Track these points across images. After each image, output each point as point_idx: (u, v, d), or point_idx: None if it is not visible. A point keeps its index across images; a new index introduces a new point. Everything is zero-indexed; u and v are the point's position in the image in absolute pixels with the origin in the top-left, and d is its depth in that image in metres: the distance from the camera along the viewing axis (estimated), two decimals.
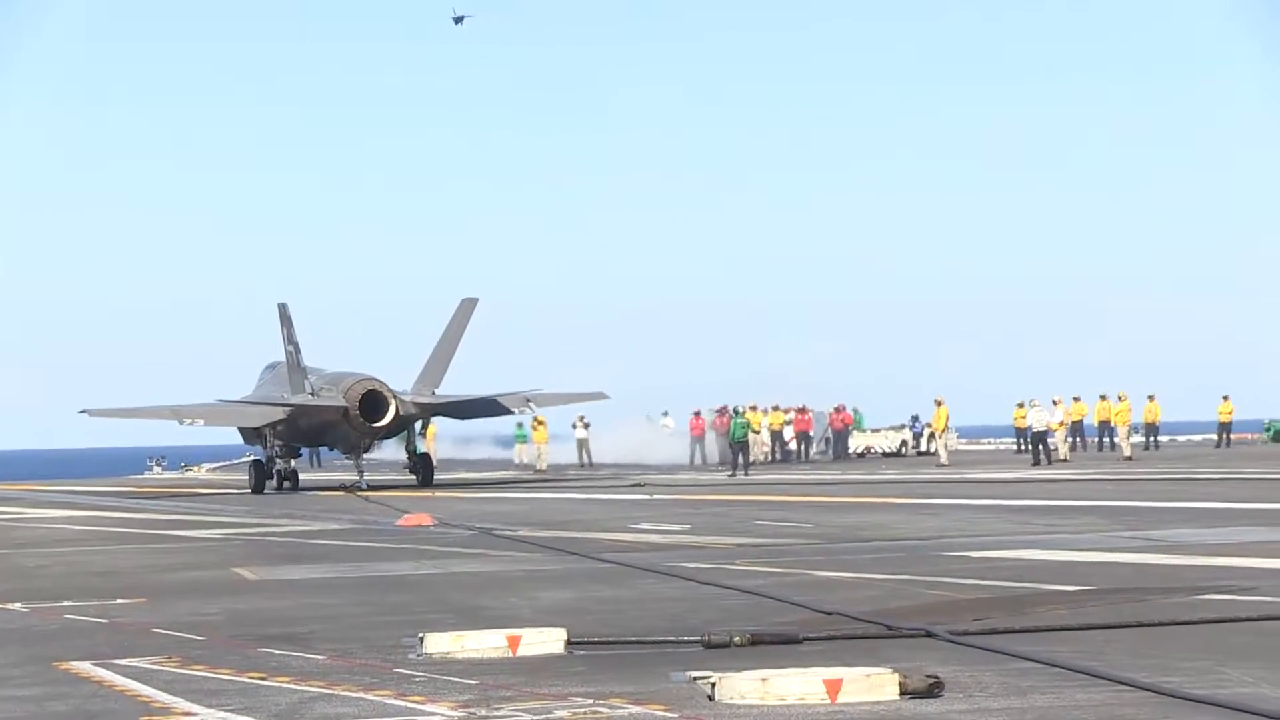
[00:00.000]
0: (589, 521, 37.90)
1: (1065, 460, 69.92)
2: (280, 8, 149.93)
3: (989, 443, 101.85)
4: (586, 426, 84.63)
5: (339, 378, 64.32)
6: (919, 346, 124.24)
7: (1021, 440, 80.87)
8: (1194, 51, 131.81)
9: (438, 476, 66.76)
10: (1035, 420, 70.28)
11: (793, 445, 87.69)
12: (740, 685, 12.88)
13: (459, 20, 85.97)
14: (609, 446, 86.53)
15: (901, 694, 12.81)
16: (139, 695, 14.21)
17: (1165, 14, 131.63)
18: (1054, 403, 73.37)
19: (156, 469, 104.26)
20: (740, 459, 69.87)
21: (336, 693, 13.96)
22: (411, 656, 15.76)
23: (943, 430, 74.54)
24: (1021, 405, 78.78)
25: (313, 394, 64.16)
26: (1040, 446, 69.80)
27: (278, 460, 64.93)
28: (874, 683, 12.84)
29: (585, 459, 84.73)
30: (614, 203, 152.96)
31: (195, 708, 13.48)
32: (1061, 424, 73.54)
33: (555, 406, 73.28)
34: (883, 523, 34.81)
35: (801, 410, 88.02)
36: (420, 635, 16.05)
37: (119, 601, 22.55)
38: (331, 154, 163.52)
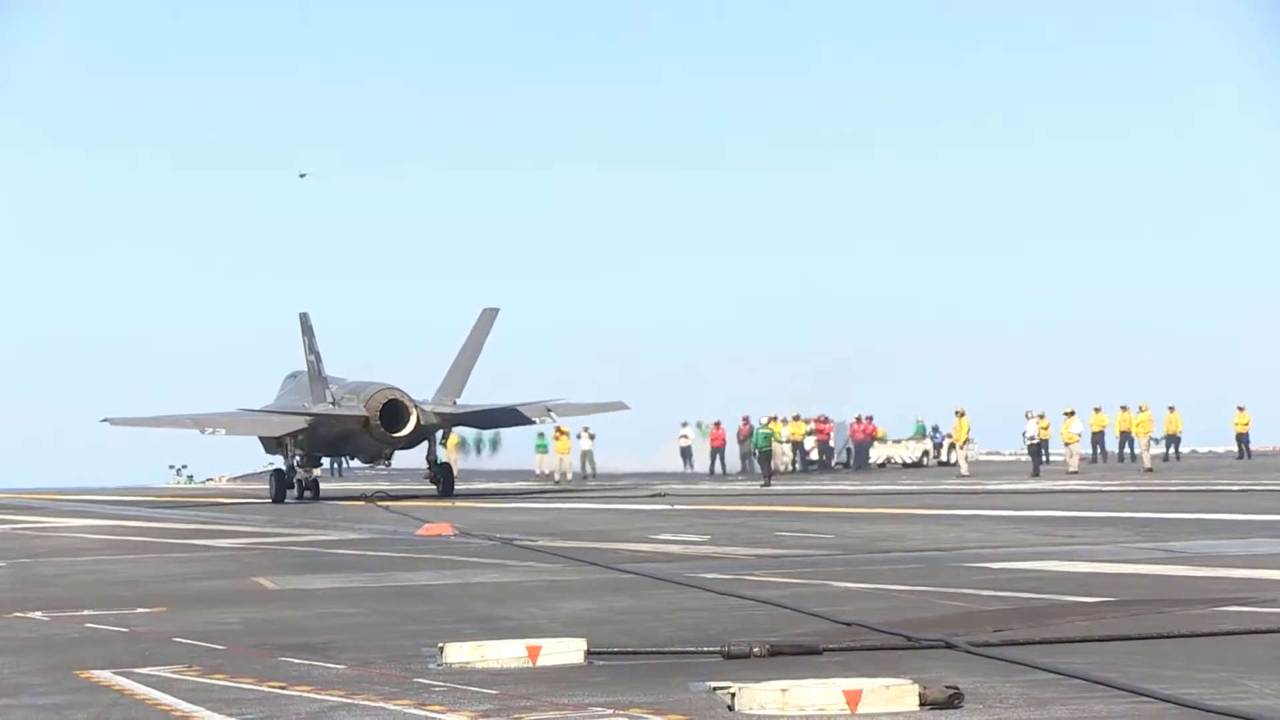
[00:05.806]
0: (609, 532, 37.88)
1: (1076, 472, 69.56)
2: (301, 8, 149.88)
3: (1011, 454, 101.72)
4: (592, 437, 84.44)
5: (360, 387, 64.47)
6: (937, 357, 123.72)
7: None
8: (1211, 52, 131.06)
9: (458, 486, 66.93)
10: (1030, 431, 70.56)
11: (814, 456, 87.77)
12: (760, 696, 12.88)
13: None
14: (626, 457, 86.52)
15: (921, 705, 12.81)
16: (159, 704, 14.24)
17: (1165, 18, 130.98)
18: (1066, 414, 73.14)
19: (177, 479, 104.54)
20: (765, 468, 69.92)
21: (356, 702, 13.98)
22: (431, 666, 15.77)
23: (964, 441, 74.48)
24: (1044, 417, 78.78)
25: (334, 404, 64.31)
26: (1035, 457, 70.03)
27: (299, 470, 65.09)
28: (894, 694, 12.84)
29: (589, 470, 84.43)
30: (636, 212, 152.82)
31: (215, 717, 13.51)
32: (1076, 435, 73.40)
33: (576, 417, 73.26)
34: (903, 534, 34.76)
35: (823, 420, 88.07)
36: (440, 645, 16.06)
37: (139, 610, 22.60)
38: (352, 162, 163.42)
